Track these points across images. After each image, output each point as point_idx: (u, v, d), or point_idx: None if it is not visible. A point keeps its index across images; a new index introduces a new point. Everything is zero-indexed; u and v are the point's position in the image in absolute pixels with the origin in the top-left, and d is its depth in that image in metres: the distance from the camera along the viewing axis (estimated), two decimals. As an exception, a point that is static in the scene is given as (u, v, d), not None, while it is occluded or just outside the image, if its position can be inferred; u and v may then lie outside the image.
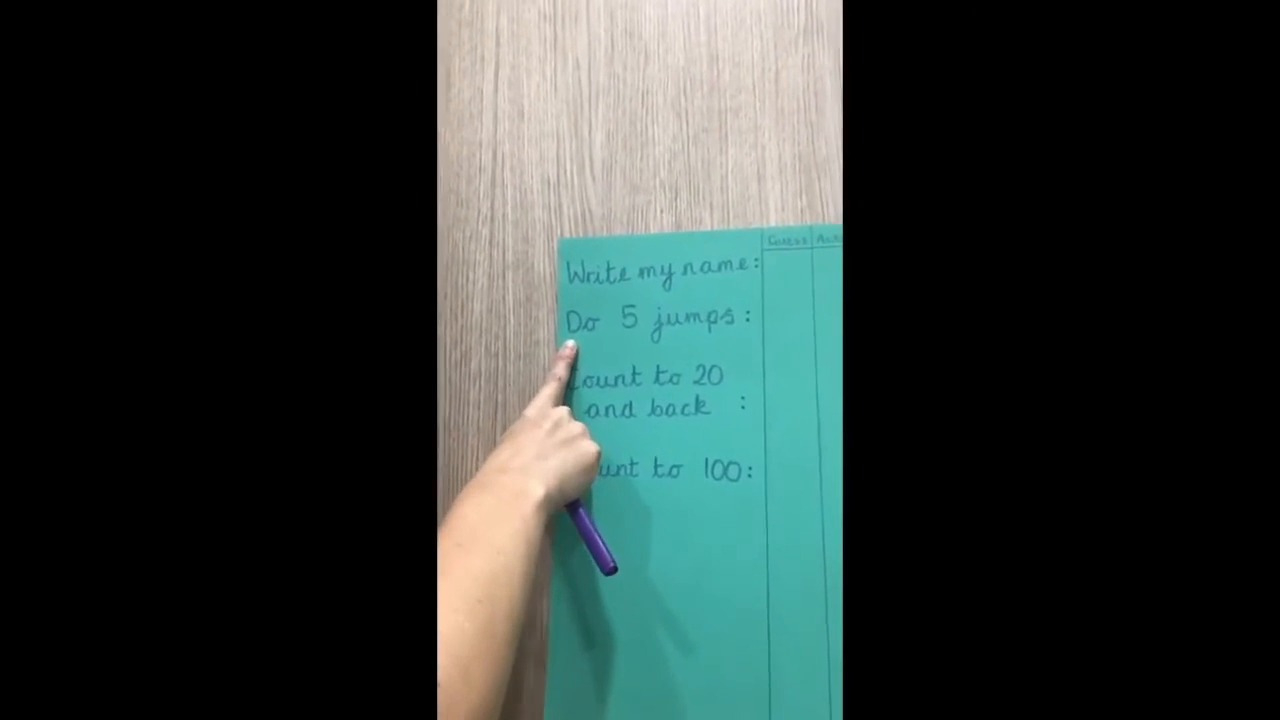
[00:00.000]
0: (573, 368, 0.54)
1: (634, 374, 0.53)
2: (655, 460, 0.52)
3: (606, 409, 0.53)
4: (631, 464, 0.52)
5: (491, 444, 0.55)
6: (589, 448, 0.47)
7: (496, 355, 0.56)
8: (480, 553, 0.37)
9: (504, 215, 0.58)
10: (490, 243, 0.58)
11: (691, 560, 0.50)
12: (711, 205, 0.55)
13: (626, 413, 0.53)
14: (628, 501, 0.51)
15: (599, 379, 0.54)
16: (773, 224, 0.54)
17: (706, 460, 0.51)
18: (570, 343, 0.54)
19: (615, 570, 0.47)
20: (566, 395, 0.53)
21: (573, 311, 0.55)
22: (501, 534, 0.38)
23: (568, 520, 0.49)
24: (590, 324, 0.55)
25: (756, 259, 0.53)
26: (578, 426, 0.48)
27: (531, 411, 0.49)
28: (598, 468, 0.48)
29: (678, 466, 0.51)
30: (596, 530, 0.48)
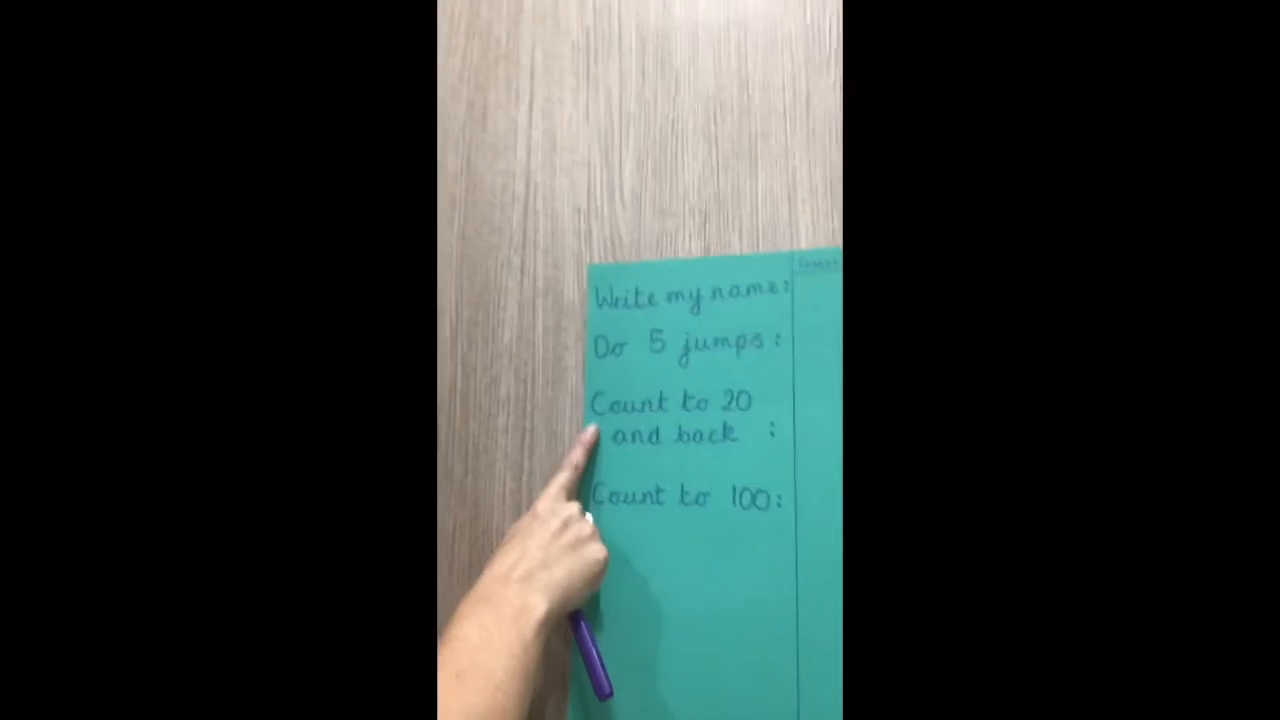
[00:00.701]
0: (591, 454, 0.52)
1: (661, 399, 0.53)
2: (682, 488, 0.51)
3: (633, 434, 0.52)
4: (658, 491, 0.51)
5: (518, 470, 0.55)
6: (597, 553, 0.46)
7: (525, 381, 0.56)
8: (479, 689, 0.36)
9: (535, 243, 0.59)
10: (521, 270, 0.59)
11: (719, 592, 0.48)
12: (741, 230, 0.55)
13: (653, 439, 0.52)
14: (653, 530, 0.50)
15: (626, 404, 0.53)
16: (803, 247, 0.53)
17: (734, 488, 0.50)
18: (593, 427, 0.53)
19: (610, 695, 0.45)
20: (584, 488, 0.52)
21: (601, 336, 0.55)
22: (501, 666, 0.37)
23: None
24: (618, 349, 0.54)
25: (786, 282, 0.52)
26: (588, 526, 0.47)
27: (542, 506, 0.47)
28: (604, 575, 0.47)
29: (705, 494, 0.50)
30: (597, 648, 0.47)
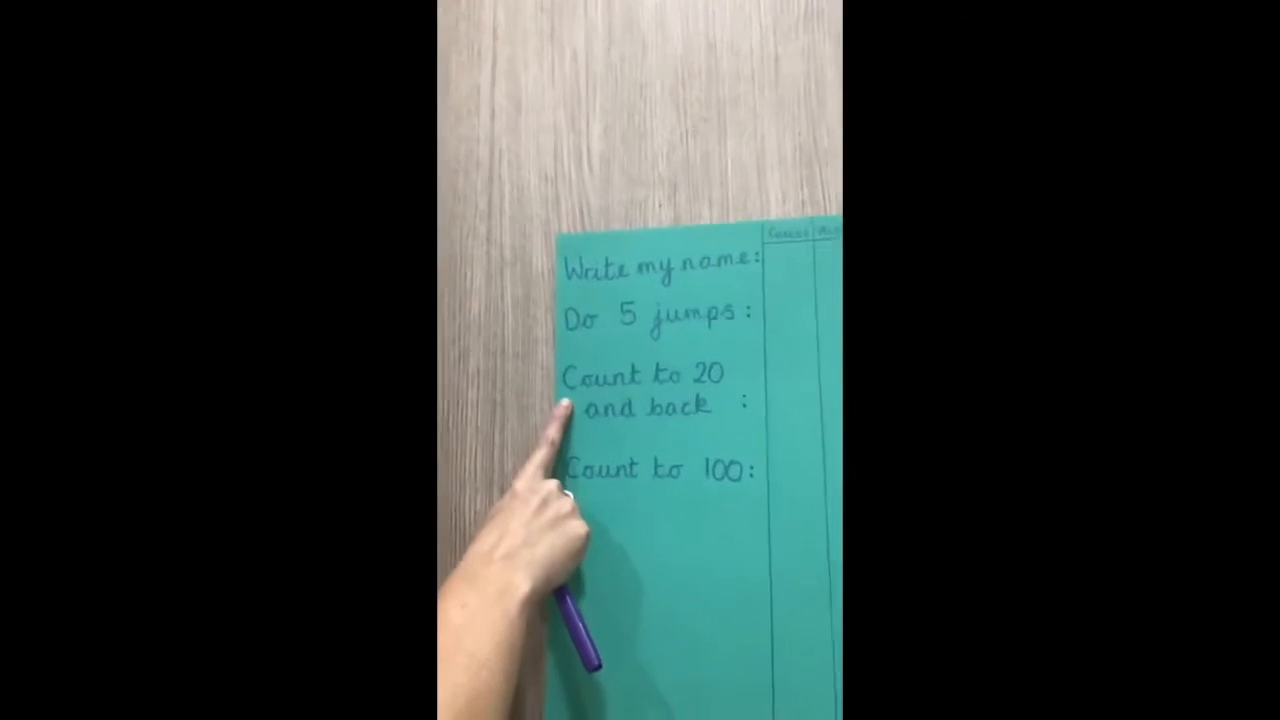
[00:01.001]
0: (566, 428, 0.52)
1: (633, 372, 0.52)
2: (655, 460, 0.51)
3: (605, 408, 0.52)
4: (631, 464, 0.51)
5: (489, 444, 0.54)
6: (578, 529, 0.46)
7: (495, 354, 0.56)
8: (463, 668, 0.36)
9: (501, 211, 0.57)
10: (488, 239, 0.57)
11: (693, 562, 0.49)
12: (711, 199, 0.54)
13: (626, 412, 0.52)
14: (627, 503, 0.51)
15: (597, 377, 0.53)
16: (773, 217, 0.53)
17: (707, 460, 0.50)
18: (565, 401, 0.52)
19: (599, 667, 0.46)
20: (560, 468, 0.52)
21: (571, 309, 0.54)
22: (486, 644, 0.38)
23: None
24: (588, 321, 0.54)
25: (757, 253, 0.52)
26: (568, 503, 0.47)
27: (520, 485, 0.47)
28: (586, 550, 0.47)
29: (678, 466, 0.50)
30: (583, 621, 0.47)
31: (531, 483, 0.47)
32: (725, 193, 0.54)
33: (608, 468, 0.51)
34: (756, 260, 0.52)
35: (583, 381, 0.53)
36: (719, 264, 0.52)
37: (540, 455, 0.50)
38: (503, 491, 0.53)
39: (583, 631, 0.47)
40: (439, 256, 0.58)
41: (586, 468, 0.52)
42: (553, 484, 0.48)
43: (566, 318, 0.54)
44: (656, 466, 0.51)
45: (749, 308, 0.51)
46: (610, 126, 0.57)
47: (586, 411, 0.53)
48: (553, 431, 0.51)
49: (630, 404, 0.52)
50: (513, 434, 0.54)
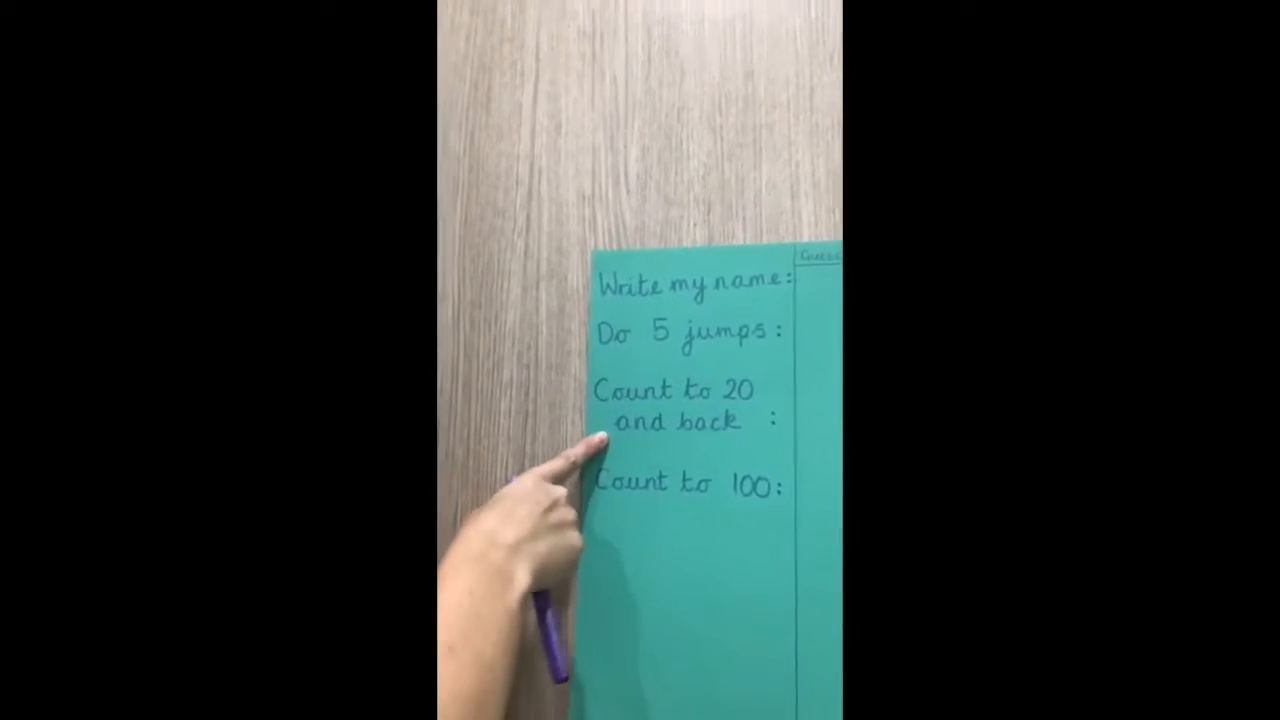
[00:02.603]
0: (594, 459, 0.53)
1: (664, 387, 0.53)
2: (684, 474, 0.52)
3: (636, 421, 0.53)
4: (660, 477, 0.52)
5: (520, 454, 0.55)
6: (576, 540, 0.47)
7: (528, 366, 0.57)
8: (468, 666, 0.36)
9: (539, 227, 0.59)
10: (525, 254, 0.59)
11: (719, 577, 0.49)
12: (744, 220, 0.55)
13: (656, 425, 0.53)
14: (655, 515, 0.51)
15: (629, 390, 0.54)
16: (805, 239, 0.54)
17: (735, 475, 0.51)
18: (602, 434, 0.53)
19: (567, 679, 0.47)
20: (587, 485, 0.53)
21: (604, 323, 0.55)
22: (492, 643, 0.38)
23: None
24: (621, 336, 0.55)
25: (789, 274, 0.53)
26: (572, 513, 0.48)
27: (529, 480, 0.48)
28: (578, 564, 0.48)
29: (706, 481, 0.51)
30: (557, 632, 0.48)
31: (540, 483, 0.48)
32: (759, 214, 0.55)
33: (637, 480, 0.52)
34: (788, 281, 0.53)
35: (614, 394, 0.54)
36: (751, 284, 0.54)
37: (553, 465, 0.50)
38: (532, 500, 0.54)
39: (554, 642, 0.47)
40: (476, 269, 0.59)
41: (616, 479, 0.53)
42: (563, 491, 0.48)
43: (600, 331, 0.55)
44: (685, 480, 0.52)
45: (779, 327, 0.52)
46: (648, 148, 0.58)
47: (617, 424, 0.54)
48: (577, 452, 0.52)
49: (661, 418, 0.53)
50: (544, 444, 0.55)
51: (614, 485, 0.53)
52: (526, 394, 0.56)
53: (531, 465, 0.55)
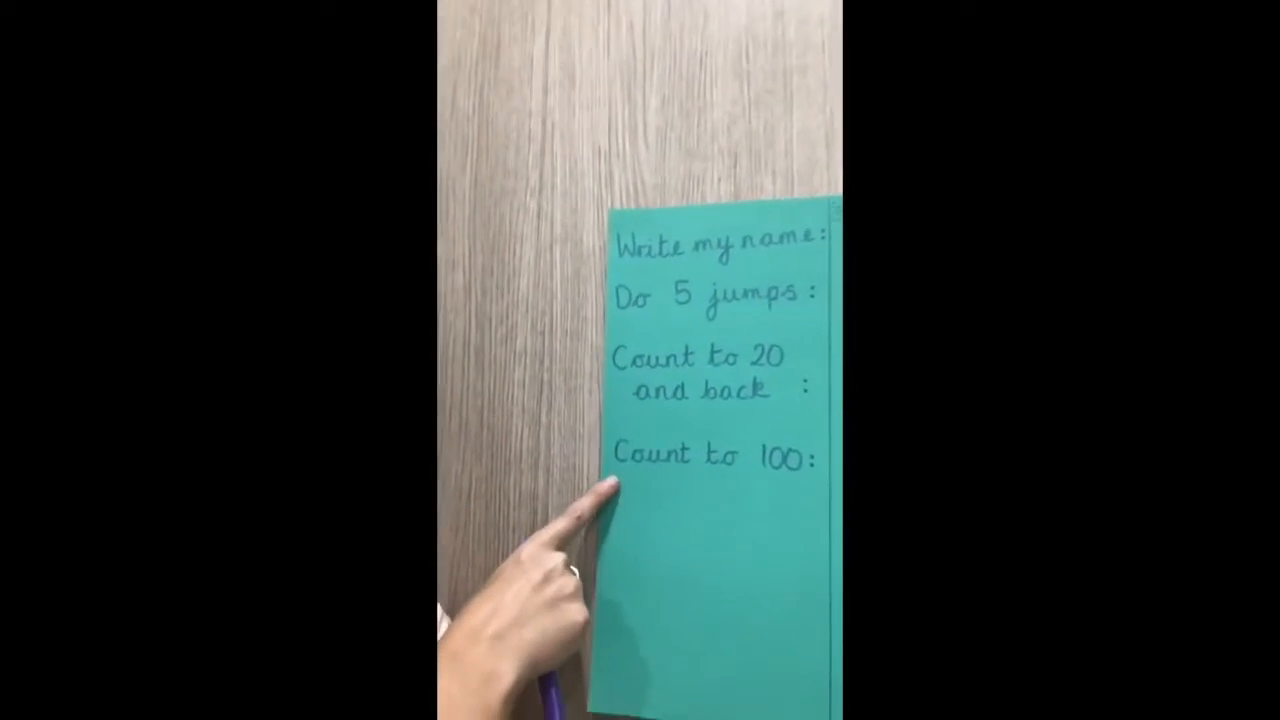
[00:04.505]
0: (602, 508, 0.49)
1: (687, 354, 0.50)
2: (709, 446, 0.48)
3: (657, 390, 0.50)
4: (683, 449, 0.49)
5: (535, 425, 0.52)
6: (576, 615, 0.42)
7: (543, 333, 0.53)
8: None
9: (553, 186, 0.55)
10: (538, 215, 0.55)
11: (747, 554, 0.46)
12: (774, 172, 0.51)
13: (678, 395, 0.49)
14: (679, 489, 0.48)
15: (649, 358, 0.50)
16: (841, 192, 0.49)
17: (764, 447, 0.47)
18: (612, 479, 0.49)
19: None
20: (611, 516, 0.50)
21: (622, 286, 0.52)
22: None
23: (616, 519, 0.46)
24: (641, 300, 0.51)
25: (824, 229, 0.49)
26: (571, 583, 0.43)
27: (525, 552, 0.44)
28: (581, 639, 0.43)
29: (733, 453, 0.48)
30: (559, 711, 0.44)
31: (538, 551, 0.44)
32: (790, 165, 0.51)
33: (657, 452, 0.49)
34: (823, 237, 0.49)
35: (633, 362, 0.51)
36: (781, 241, 0.49)
37: (559, 525, 0.46)
38: (548, 474, 0.51)
39: None
40: (487, 233, 0.56)
41: (635, 451, 0.49)
42: (559, 558, 0.44)
43: (617, 295, 0.52)
44: (710, 452, 0.48)
45: (813, 288, 0.48)
46: (668, 98, 0.54)
47: (637, 393, 0.50)
48: (584, 506, 0.47)
49: (683, 387, 0.49)
50: (559, 414, 0.52)
51: (633, 458, 0.49)
52: (541, 363, 0.53)
53: (546, 436, 0.52)
